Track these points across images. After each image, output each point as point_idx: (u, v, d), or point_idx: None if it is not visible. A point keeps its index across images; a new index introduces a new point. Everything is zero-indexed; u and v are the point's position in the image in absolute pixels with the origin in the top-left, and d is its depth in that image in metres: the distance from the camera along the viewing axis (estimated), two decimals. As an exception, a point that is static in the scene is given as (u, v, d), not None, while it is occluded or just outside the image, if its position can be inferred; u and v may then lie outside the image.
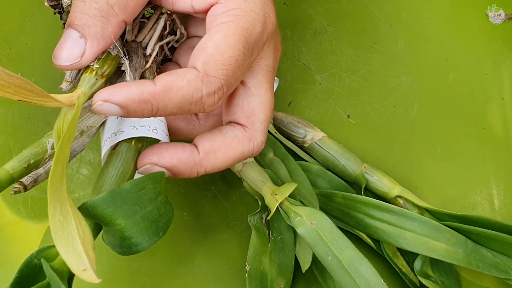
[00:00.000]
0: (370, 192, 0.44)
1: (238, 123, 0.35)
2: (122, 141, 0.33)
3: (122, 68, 0.34)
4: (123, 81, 0.34)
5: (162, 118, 0.36)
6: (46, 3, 0.39)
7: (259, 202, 0.41)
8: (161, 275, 0.43)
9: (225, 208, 0.45)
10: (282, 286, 0.41)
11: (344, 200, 0.42)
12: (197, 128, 0.39)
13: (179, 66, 0.39)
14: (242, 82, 0.35)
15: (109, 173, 0.32)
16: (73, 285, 0.29)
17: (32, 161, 0.31)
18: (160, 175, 0.31)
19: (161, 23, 0.37)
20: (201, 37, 0.39)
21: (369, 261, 0.36)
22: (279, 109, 0.47)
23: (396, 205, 0.42)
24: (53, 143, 0.31)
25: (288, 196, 0.39)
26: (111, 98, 0.29)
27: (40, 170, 0.34)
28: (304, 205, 0.42)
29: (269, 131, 0.46)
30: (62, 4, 0.36)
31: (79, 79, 0.34)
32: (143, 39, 0.37)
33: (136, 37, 0.36)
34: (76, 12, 0.31)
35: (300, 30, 0.52)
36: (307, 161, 0.46)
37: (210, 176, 0.46)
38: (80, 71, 0.34)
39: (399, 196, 0.43)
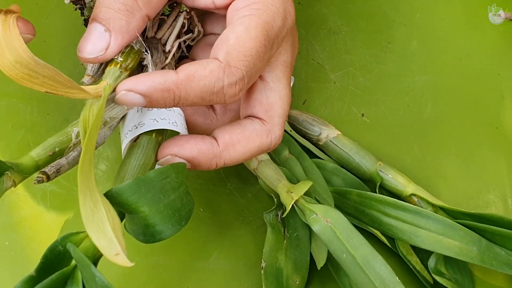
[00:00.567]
0: (385, 190, 0.44)
1: (256, 117, 0.36)
2: (142, 133, 0.34)
3: (144, 63, 0.35)
4: None
5: (181, 112, 0.37)
6: (66, 1, 0.39)
7: (275, 200, 0.42)
8: (178, 270, 0.43)
9: (240, 204, 0.46)
10: (297, 282, 0.41)
11: (359, 198, 0.42)
12: (214, 123, 0.39)
13: None
14: (260, 77, 0.36)
15: (131, 164, 0.32)
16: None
17: (57, 149, 0.31)
18: (183, 166, 0.32)
19: (180, 20, 0.38)
20: (218, 34, 0.40)
21: (383, 259, 0.37)
22: (294, 108, 0.48)
23: (411, 203, 0.42)
24: (77, 132, 0.32)
25: (303, 194, 0.40)
26: (134, 88, 0.30)
27: (63, 161, 0.35)
28: (319, 202, 0.42)
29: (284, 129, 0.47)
30: (84, 0, 0.37)
31: (101, 73, 0.35)
32: (163, 35, 0.37)
33: (156, 33, 0.37)
34: (101, 6, 0.31)
35: (315, 30, 0.53)
36: (322, 159, 0.47)
37: (225, 172, 0.47)
38: (101, 65, 0.35)
39: (414, 194, 0.43)
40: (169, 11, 0.38)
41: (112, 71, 0.32)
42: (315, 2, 0.54)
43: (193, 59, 0.40)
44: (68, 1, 0.39)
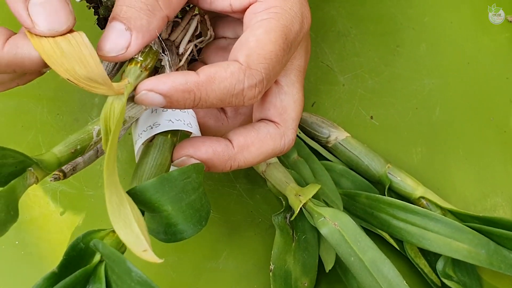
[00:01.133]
0: (394, 192, 0.45)
1: (270, 120, 0.36)
2: (158, 134, 0.34)
3: (162, 63, 0.35)
4: None
5: (194, 114, 0.37)
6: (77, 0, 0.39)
7: (283, 202, 0.42)
8: (187, 270, 0.43)
9: (249, 206, 0.46)
10: (306, 285, 0.41)
11: (367, 200, 0.42)
12: (225, 126, 0.39)
13: None
14: (275, 81, 0.36)
15: (148, 164, 0.33)
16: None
17: (78, 147, 0.31)
18: (202, 166, 0.32)
19: (194, 23, 0.38)
20: (228, 38, 0.40)
21: (391, 262, 0.37)
22: (303, 110, 0.48)
23: (419, 205, 0.42)
24: (98, 130, 0.32)
25: (312, 197, 0.40)
26: (155, 88, 0.30)
27: (79, 159, 0.35)
28: (328, 205, 0.43)
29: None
30: None
31: (115, 73, 0.35)
32: (176, 38, 0.38)
33: (169, 35, 0.37)
34: (122, 5, 0.31)
35: (324, 32, 0.53)
36: (331, 161, 0.47)
37: (234, 174, 0.47)
38: (116, 65, 0.35)
39: (422, 197, 0.43)
40: (181, 14, 0.38)
41: (133, 70, 0.32)
42: (325, 4, 0.54)
43: (204, 62, 0.40)
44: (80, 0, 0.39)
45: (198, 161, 0.33)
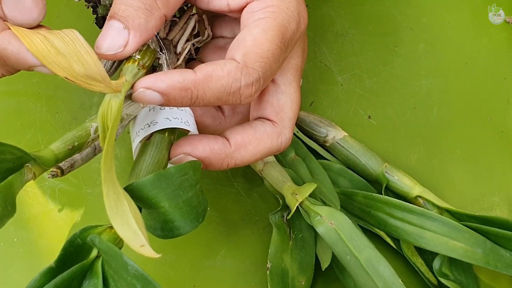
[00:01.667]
0: (391, 191, 0.45)
1: (267, 119, 0.36)
2: (155, 132, 0.34)
3: (159, 62, 0.35)
4: None
5: (191, 112, 0.37)
6: None
7: (280, 201, 0.42)
8: (185, 268, 0.44)
9: (247, 204, 0.46)
10: (303, 283, 0.42)
11: (365, 199, 0.42)
12: (223, 125, 0.40)
13: None
14: (272, 80, 0.36)
15: (146, 161, 0.33)
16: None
17: (76, 144, 0.32)
18: (199, 164, 0.33)
19: (191, 22, 0.38)
20: (226, 37, 0.41)
21: (387, 261, 0.37)
22: (301, 109, 0.48)
23: (416, 205, 0.43)
24: (96, 127, 0.32)
25: (309, 195, 0.40)
26: (153, 86, 0.30)
27: (77, 156, 0.35)
28: (325, 204, 0.43)
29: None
30: None
31: (113, 71, 0.35)
32: (174, 37, 0.38)
33: (167, 34, 0.38)
34: (120, 4, 0.32)
35: (322, 32, 0.53)
36: (329, 160, 0.47)
37: (232, 172, 0.47)
38: (114, 64, 0.35)
39: (419, 196, 0.43)
40: (180, 14, 0.39)
41: (130, 68, 0.32)
42: (323, 4, 0.54)
43: (202, 62, 0.41)
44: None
45: (195, 159, 0.33)
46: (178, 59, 0.37)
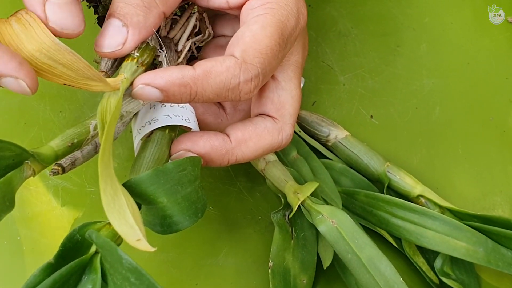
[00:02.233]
0: (392, 190, 0.45)
1: (268, 115, 0.36)
2: (156, 129, 0.34)
3: (159, 59, 0.35)
4: None
5: (193, 110, 0.37)
6: None
7: (282, 200, 0.42)
8: (187, 266, 0.44)
9: (249, 203, 0.46)
10: (304, 282, 0.42)
11: (366, 198, 0.43)
12: (225, 123, 0.40)
13: None
14: (272, 76, 0.36)
15: (146, 158, 0.33)
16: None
17: (75, 141, 0.32)
18: (198, 159, 0.33)
19: (192, 21, 0.38)
20: (227, 36, 0.41)
21: (388, 259, 0.37)
22: (303, 109, 0.48)
23: (418, 204, 0.43)
24: (95, 125, 0.32)
25: (311, 195, 0.40)
26: (152, 82, 0.30)
27: (78, 154, 0.35)
28: (327, 203, 0.43)
29: (293, 130, 0.47)
30: None
31: (114, 70, 0.36)
32: (175, 35, 0.38)
33: (168, 33, 0.38)
34: (119, 2, 0.32)
35: (325, 32, 0.53)
36: (331, 159, 0.47)
37: (234, 171, 0.47)
38: (115, 62, 0.36)
39: (421, 195, 0.44)
40: (181, 12, 0.39)
41: (129, 66, 0.32)
42: (325, 4, 0.55)
43: None
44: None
45: (196, 155, 0.33)
46: (179, 57, 0.37)
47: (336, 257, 0.42)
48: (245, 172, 0.47)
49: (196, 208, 0.32)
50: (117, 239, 0.30)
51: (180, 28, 0.38)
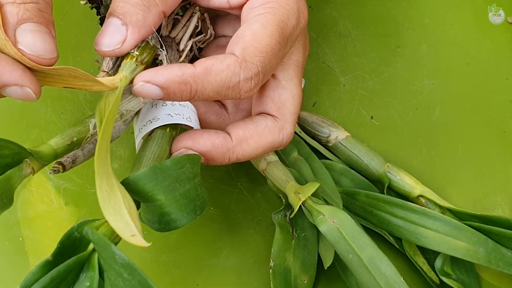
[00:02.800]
0: (393, 191, 0.45)
1: (269, 114, 0.36)
2: (157, 128, 0.35)
3: (160, 58, 0.35)
4: None
5: (194, 109, 0.38)
6: (82, 2, 0.40)
7: (283, 200, 0.42)
8: (188, 267, 0.44)
9: (250, 203, 0.46)
10: (305, 282, 0.42)
11: (367, 198, 0.43)
12: (226, 122, 0.40)
13: None
14: (273, 75, 0.37)
15: (146, 156, 0.33)
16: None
17: (75, 139, 0.32)
18: (197, 157, 0.33)
19: (193, 21, 0.39)
20: (228, 36, 0.41)
21: (389, 259, 0.37)
22: (304, 109, 0.48)
23: (418, 204, 0.43)
24: (95, 123, 0.33)
25: (311, 195, 0.40)
26: (152, 79, 0.30)
27: (79, 152, 0.35)
28: (328, 203, 0.43)
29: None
30: None
31: (115, 69, 0.36)
32: (177, 35, 0.38)
33: (170, 32, 0.38)
34: (119, 1, 0.32)
35: (325, 33, 0.54)
36: (331, 160, 0.47)
37: (235, 172, 0.47)
38: (116, 61, 0.36)
39: (421, 196, 0.44)
40: (182, 12, 0.39)
41: (128, 64, 0.32)
42: (326, 5, 0.55)
43: None
44: (84, 2, 0.40)
45: (196, 153, 0.34)
46: (180, 57, 0.37)
47: (337, 257, 0.42)
48: (246, 173, 0.47)
49: (195, 205, 0.32)
50: (115, 237, 0.30)
51: (182, 28, 0.38)
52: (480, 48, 0.53)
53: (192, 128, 0.36)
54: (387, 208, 0.42)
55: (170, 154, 0.34)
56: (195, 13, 0.39)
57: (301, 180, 0.44)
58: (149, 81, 0.30)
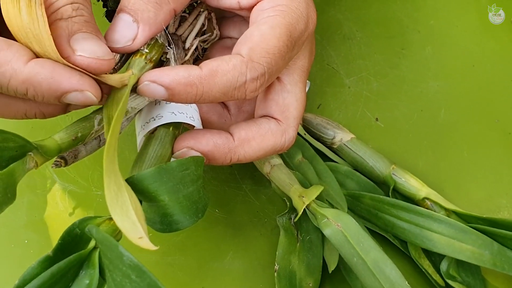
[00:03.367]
0: (398, 193, 0.45)
1: (272, 117, 0.36)
2: (160, 126, 0.35)
3: (167, 57, 0.35)
4: None
5: (197, 108, 0.38)
6: None
7: (287, 203, 0.42)
8: (193, 269, 0.44)
9: (255, 206, 0.46)
10: (310, 285, 0.42)
11: (372, 201, 0.43)
12: (228, 123, 0.40)
13: None
14: (278, 79, 0.37)
15: (148, 155, 0.33)
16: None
17: (79, 134, 0.32)
18: (201, 159, 0.33)
19: (201, 19, 0.39)
20: (234, 38, 0.41)
21: (394, 262, 0.37)
22: (309, 111, 0.49)
23: (424, 206, 0.43)
24: (100, 119, 0.33)
25: (316, 198, 0.40)
26: (158, 79, 0.30)
27: (81, 147, 0.35)
28: (332, 206, 0.43)
29: (298, 133, 0.47)
30: None
31: (121, 65, 0.36)
32: (183, 33, 0.38)
33: (176, 30, 0.38)
34: None
35: (330, 35, 0.54)
36: (336, 162, 0.47)
37: (240, 174, 0.47)
38: (123, 58, 0.36)
39: (427, 198, 0.43)
40: (189, 10, 0.39)
41: (137, 61, 0.32)
42: (330, 8, 0.55)
43: None
44: None
45: (198, 153, 0.34)
46: (186, 55, 0.37)
47: (341, 261, 0.42)
48: (251, 175, 0.47)
49: (197, 208, 0.32)
50: (117, 235, 0.30)
51: (189, 26, 0.38)
52: (484, 49, 0.53)
53: (194, 127, 0.36)
54: (392, 211, 0.42)
55: (172, 153, 0.34)
56: (203, 11, 0.39)
57: (305, 183, 0.44)
58: (154, 81, 0.30)
